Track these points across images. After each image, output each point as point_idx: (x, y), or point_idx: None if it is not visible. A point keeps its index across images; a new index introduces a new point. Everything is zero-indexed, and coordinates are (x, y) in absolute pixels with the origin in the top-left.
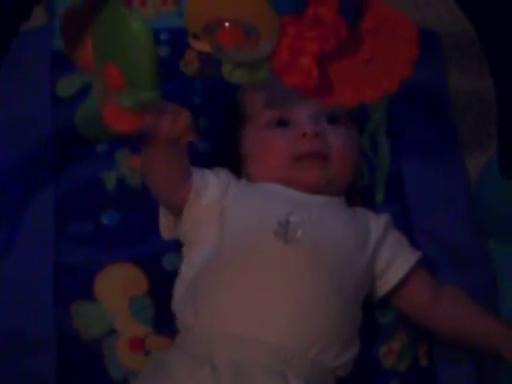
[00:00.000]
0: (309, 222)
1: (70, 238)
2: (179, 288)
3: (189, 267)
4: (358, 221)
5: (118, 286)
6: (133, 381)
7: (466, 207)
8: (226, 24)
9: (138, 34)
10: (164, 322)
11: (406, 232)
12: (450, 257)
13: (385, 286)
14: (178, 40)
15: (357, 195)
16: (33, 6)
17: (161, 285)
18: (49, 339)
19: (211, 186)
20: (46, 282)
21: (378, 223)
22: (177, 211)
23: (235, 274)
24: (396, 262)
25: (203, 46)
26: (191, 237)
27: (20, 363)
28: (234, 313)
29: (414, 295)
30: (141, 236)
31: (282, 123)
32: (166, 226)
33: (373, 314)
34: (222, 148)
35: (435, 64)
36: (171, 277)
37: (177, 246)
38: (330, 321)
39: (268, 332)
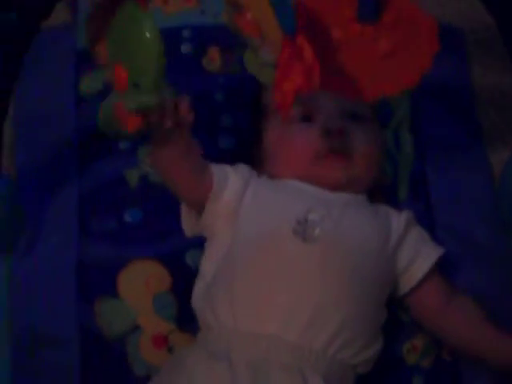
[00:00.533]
0: (328, 220)
1: (93, 235)
2: (198, 285)
3: (207, 264)
4: (379, 218)
5: (141, 282)
6: (154, 376)
7: (490, 204)
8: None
9: (150, 43)
10: (187, 318)
11: (429, 229)
12: (473, 255)
13: (408, 282)
14: (200, 37)
15: (379, 192)
16: (54, 3)
17: (184, 281)
18: (72, 336)
19: (232, 181)
20: (70, 279)
21: (399, 220)
22: (198, 207)
23: (253, 272)
24: (418, 258)
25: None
26: (211, 232)
27: (43, 360)
28: (252, 311)
29: (427, 300)
30: (163, 233)
31: (306, 119)
32: (188, 223)
33: (395, 312)
34: (244, 144)
35: (459, 60)
36: (194, 273)
37: (199, 243)
38: (350, 319)
39: (286, 330)
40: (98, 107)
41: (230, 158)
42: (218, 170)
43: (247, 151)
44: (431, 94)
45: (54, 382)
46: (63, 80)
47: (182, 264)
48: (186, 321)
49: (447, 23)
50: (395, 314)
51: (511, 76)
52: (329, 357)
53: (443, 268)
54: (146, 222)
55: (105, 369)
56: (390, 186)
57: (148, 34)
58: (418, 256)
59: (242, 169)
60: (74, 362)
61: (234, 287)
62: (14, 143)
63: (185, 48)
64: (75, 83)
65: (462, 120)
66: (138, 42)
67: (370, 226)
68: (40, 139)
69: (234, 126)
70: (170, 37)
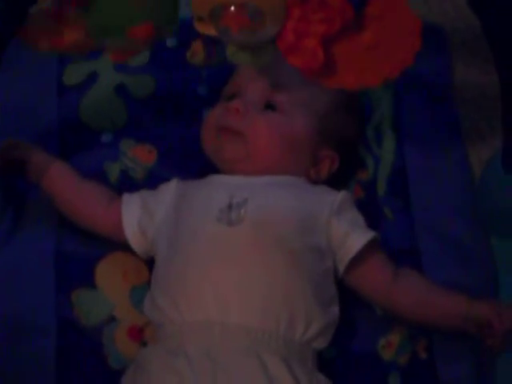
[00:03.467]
0: (251, 201)
1: (72, 226)
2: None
3: (153, 273)
4: (310, 196)
5: (118, 274)
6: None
7: (469, 202)
8: (232, 7)
9: None
10: None
11: (408, 225)
12: (452, 251)
13: (342, 260)
14: (184, 31)
15: (359, 187)
16: None
17: None
18: (49, 326)
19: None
20: (48, 270)
21: (334, 199)
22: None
23: (184, 264)
24: (350, 237)
25: (208, 30)
26: (148, 249)
27: (21, 350)
28: (191, 301)
29: (371, 275)
30: None
31: (230, 99)
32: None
33: (371, 306)
34: None
35: (442, 59)
36: None
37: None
38: (288, 295)
39: (231, 314)
40: (81, 98)
41: None
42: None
43: None
44: (413, 91)
45: (31, 372)
46: (46, 70)
47: None
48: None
49: (431, 22)
50: (370, 309)
51: (493, 76)
52: (281, 337)
53: (421, 263)
54: None
55: (81, 359)
56: (371, 181)
57: None
58: (350, 235)
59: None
60: (51, 351)
61: (170, 282)
62: None
63: (170, 42)
64: (58, 74)
65: (443, 119)
66: None
67: (294, 202)
68: (21, 129)
69: None
70: None
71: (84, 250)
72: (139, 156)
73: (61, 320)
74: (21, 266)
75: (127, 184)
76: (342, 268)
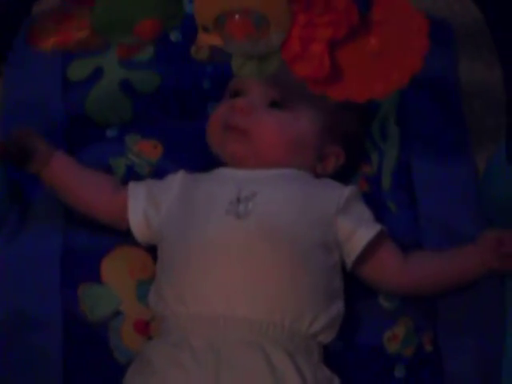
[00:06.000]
0: (260, 195)
1: (79, 222)
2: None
3: (157, 263)
4: (317, 191)
5: (124, 268)
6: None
7: (474, 196)
8: (236, 16)
9: None
10: None
11: (413, 220)
12: (455, 245)
13: (350, 255)
14: (189, 25)
15: (363, 180)
16: None
17: None
18: (55, 320)
19: (144, 191)
20: (54, 264)
21: (341, 193)
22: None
23: (193, 256)
24: (357, 233)
25: (213, 40)
26: (153, 239)
27: (27, 344)
28: (197, 293)
29: (382, 265)
30: None
31: (236, 95)
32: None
33: (376, 299)
34: None
35: (447, 54)
36: None
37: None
38: (294, 289)
39: (236, 307)
40: (87, 93)
41: None
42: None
43: None
44: (418, 86)
45: (37, 366)
46: (51, 65)
47: None
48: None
49: (437, 17)
50: (376, 301)
51: (499, 71)
52: (286, 330)
53: None
54: None
55: (87, 354)
56: (376, 175)
57: None
58: (358, 229)
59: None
60: (57, 346)
61: (176, 273)
62: (1, 129)
63: (175, 37)
64: (63, 69)
65: (448, 113)
66: None
67: (302, 197)
68: (27, 124)
69: None
70: None
71: (90, 245)
72: (144, 151)
73: (67, 314)
74: (27, 262)
75: (133, 179)
76: (349, 263)
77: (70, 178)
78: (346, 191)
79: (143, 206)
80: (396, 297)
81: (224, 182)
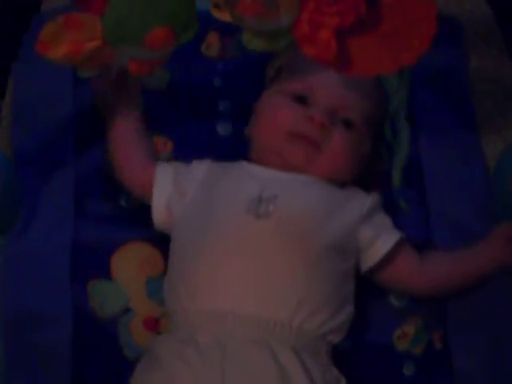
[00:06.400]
0: (282, 198)
1: (89, 217)
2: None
3: (170, 254)
4: (338, 194)
5: (134, 265)
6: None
7: (484, 194)
8: None
9: None
10: None
11: (424, 216)
12: (466, 242)
13: (368, 261)
14: (200, 22)
15: (374, 179)
16: None
17: None
18: (65, 317)
19: (171, 173)
20: (64, 261)
21: (364, 202)
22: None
23: (207, 252)
24: (377, 241)
25: (224, 16)
26: (168, 227)
27: (36, 340)
28: (209, 289)
29: (399, 270)
30: None
31: (300, 100)
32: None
33: (386, 297)
34: (242, 129)
35: (457, 50)
36: None
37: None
38: (306, 291)
39: (245, 305)
40: (96, 90)
41: (229, 144)
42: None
43: (245, 136)
44: (428, 83)
45: (46, 362)
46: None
47: None
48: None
49: (446, 13)
50: (385, 300)
51: (508, 69)
52: (294, 329)
53: None
54: (140, 207)
55: (97, 350)
56: (386, 172)
57: None
58: (377, 239)
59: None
60: (67, 342)
61: (191, 268)
62: (11, 125)
63: None
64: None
65: (458, 110)
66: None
67: (322, 199)
68: (37, 121)
69: (232, 111)
70: None
71: (100, 241)
72: (155, 148)
73: (76, 310)
74: (37, 257)
75: None
76: (365, 268)
77: (123, 137)
78: (369, 200)
79: (168, 193)
80: (406, 296)
81: (248, 178)
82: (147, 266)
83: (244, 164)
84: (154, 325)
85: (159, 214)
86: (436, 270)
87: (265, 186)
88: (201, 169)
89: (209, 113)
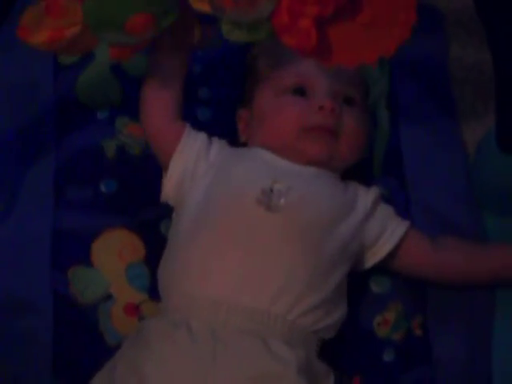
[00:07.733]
0: (294, 191)
1: (69, 204)
2: (163, 255)
3: (172, 232)
4: (346, 194)
5: (114, 251)
6: (118, 351)
7: (464, 181)
8: None
9: None
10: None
11: (404, 206)
12: (447, 230)
13: (374, 257)
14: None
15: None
16: None
17: (158, 251)
18: (45, 303)
19: (198, 141)
20: (44, 247)
21: (366, 198)
22: (166, 158)
23: (210, 238)
24: (384, 234)
25: (203, 6)
26: (175, 199)
27: (16, 326)
28: (208, 276)
29: (414, 253)
30: (138, 204)
31: (298, 91)
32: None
33: (366, 284)
34: (221, 116)
35: (437, 39)
36: None
37: (173, 213)
38: (307, 288)
39: (242, 295)
40: (77, 77)
41: (208, 130)
42: (189, 128)
43: (225, 122)
44: (408, 71)
45: (27, 348)
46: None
47: (156, 234)
48: (158, 291)
49: (426, 2)
50: (366, 286)
51: (488, 56)
52: (288, 322)
53: None
54: (120, 193)
55: (77, 336)
56: (366, 161)
57: None
58: (384, 233)
59: (204, 136)
60: (47, 328)
61: (191, 252)
62: None
63: None
64: (54, 53)
65: (439, 98)
66: None
67: (333, 200)
68: (18, 108)
69: (211, 98)
70: None
71: (80, 227)
72: (135, 133)
73: (57, 297)
74: (17, 244)
75: (124, 160)
76: (365, 266)
77: (153, 86)
78: (371, 194)
79: (187, 165)
80: (387, 281)
81: (261, 167)
82: (127, 253)
83: (257, 150)
84: (134, 311)
85: (171, 182)
86: (452, 248)
87: (278, 176)
88: (213, 148)
89: (188, 99)
